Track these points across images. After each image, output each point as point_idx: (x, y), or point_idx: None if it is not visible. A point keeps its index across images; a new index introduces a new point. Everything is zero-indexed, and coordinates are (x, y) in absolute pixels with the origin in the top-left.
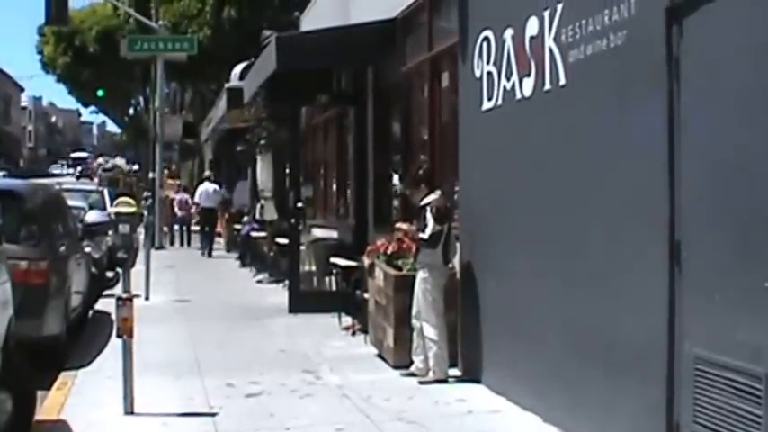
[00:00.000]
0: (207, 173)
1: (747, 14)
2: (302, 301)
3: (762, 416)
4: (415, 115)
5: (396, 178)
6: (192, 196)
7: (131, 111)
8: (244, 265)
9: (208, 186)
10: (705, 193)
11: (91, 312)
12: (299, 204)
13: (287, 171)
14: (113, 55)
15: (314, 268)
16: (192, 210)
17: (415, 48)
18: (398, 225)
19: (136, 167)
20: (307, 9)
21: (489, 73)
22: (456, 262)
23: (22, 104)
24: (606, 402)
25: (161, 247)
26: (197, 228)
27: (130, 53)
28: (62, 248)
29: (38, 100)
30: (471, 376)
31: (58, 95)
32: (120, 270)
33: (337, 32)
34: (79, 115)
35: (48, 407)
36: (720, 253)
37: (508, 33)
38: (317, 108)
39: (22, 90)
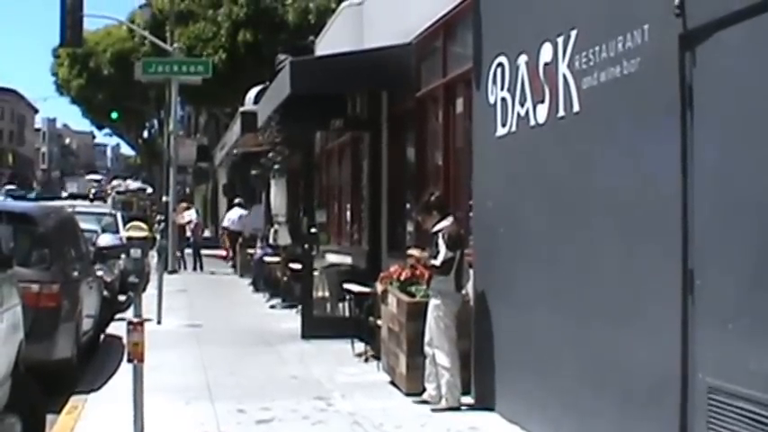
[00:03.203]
0: (237, 199)
1: (760, 42)
2: (315, 327)
3: None
4: (429, 141)
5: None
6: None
7: (145, 133)
8: (257, 289)
9: (236, 212)
10: (718, 221)
11: (102, 336)
12: (313, 229)
13: (301, 196)
14: (128, 77)
15: (327, 294)
16: (205, 232)
17: (429, 73)
18: (410, 251)
19: (150, 190)
20: (321, 34)
21: (503, 99)
22: (469, 289)
23: (36, 126)
24: (620, 431)
25: (174, 271)
26: (207, 251)
27: (145, 76)
28: (74, 272)
29: (52, 122)
30: (484, 404)
31: (72, 117)
32: (132, 294)
33: (352, 57)
34: (93, 137)
35: (57, 431)
36: (734, 282)
37: (522, 59)
38: (332, 133)
39: (37, 111)
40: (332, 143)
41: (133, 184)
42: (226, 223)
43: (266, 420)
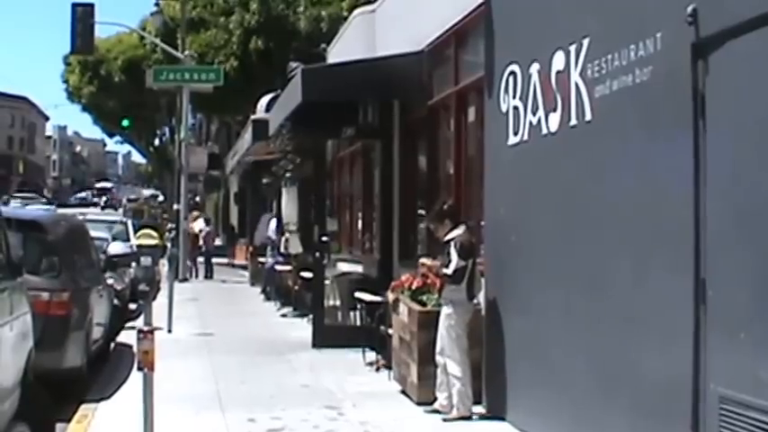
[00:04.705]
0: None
1: None
2: (326, 336)
3: None
4: (441, 149)
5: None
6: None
7: (157, 141)
8: (268, 298)
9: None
10: (731, 231)
11: (113, 344)
12: (324, 238)
13: (312, 204)
14: (139, 85)
15: (338, 303)
16: (216, 241)
17: (441, 81)
18: (422, 260)
19: (161, 198)
20: (333, 41)
21: (515, 107)
22: (481, 298)
23: (47, 134)
24: None
25: (184, 280)
26: (219, 260)
27: (156, 83)
28: (84, 280)
29: (63, 129)
30: (496, 414)
31: (83, 125)
32: (142, 302)
33: (363, 65)
34: (104, 145)
35: None
36: (746, 291)
37: (534, 68)
38: (343, 141)
39: (47, 119)
40: (343, 151)
41: (146, 192)
42: (269, 233)
43: (277, 430)
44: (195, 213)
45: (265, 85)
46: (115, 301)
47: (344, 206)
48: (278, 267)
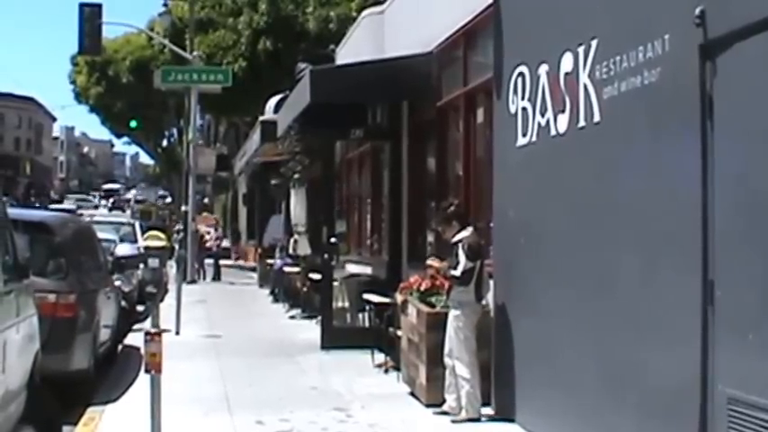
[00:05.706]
0: None
1: None
2: (335, 338)
3: None
4: (449, 150)
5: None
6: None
7: (165, 142)
8: (276, 300)
9: None
10: (739, 232)
11: (120, 347)
12: (333, 239)
13: (321, 205)
14: (147, 85)
15: (347, 304)
16: (222, 243)
17: (450, 82)
18: (430, 262)
19: (169, 199)
20: (342, 42)
21: (524, 109)
22: (489, 299)
23: (54, 134)
24: None
25: (193, 282)
26: (226, 261)
27: (164, 84)
28: (91, 282)
29: (70, 130)
30: (504, 415)
31: (90, 126)
32: (150, 304)
33: (372, 66)
34: (112, 146)
35: None
36: (754, 292)
37: (543, 69)
38: (352, 142)
39: (55, 120)
40: (352, 152)
41: (161, 192)
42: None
43: None
44: (205, 214)
45: (274, 86)
46: (122, 303)
47: (353, 207)
48: (286, 269)
